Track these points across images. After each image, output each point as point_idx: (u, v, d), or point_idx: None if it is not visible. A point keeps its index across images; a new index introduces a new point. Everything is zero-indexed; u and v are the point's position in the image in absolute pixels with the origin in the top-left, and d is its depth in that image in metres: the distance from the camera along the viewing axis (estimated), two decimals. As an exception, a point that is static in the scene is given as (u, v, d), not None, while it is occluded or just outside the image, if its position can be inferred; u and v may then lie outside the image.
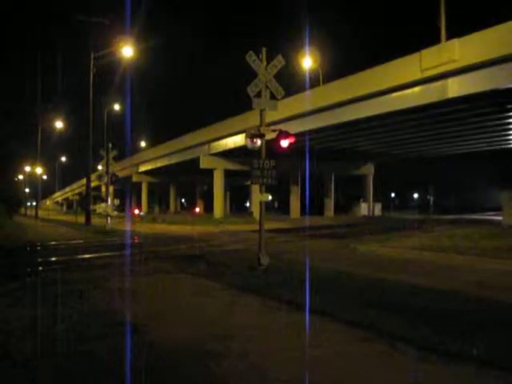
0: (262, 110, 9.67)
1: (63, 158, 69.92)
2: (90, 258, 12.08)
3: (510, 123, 26.67)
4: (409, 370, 3.93)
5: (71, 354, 4.34)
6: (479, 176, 55.79)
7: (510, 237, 15.68)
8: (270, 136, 9.70)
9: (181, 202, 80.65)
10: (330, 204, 47.81)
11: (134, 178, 58.68)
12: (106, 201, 23.48)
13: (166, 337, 4.88)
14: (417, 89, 20.58)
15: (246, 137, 9.60)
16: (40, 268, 10.06)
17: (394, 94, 21.60)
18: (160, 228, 26.67)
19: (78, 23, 24.62)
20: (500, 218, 25.54)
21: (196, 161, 39.73)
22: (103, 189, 24.21)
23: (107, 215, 22.87)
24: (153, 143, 55.42)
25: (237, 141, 33.41)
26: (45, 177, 74.69)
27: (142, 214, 53.90)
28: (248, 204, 59.92)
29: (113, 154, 23.72)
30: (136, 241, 17.92)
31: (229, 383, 3.71)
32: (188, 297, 7.02)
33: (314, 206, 45.79)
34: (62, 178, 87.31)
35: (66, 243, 16.45)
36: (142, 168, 56.15)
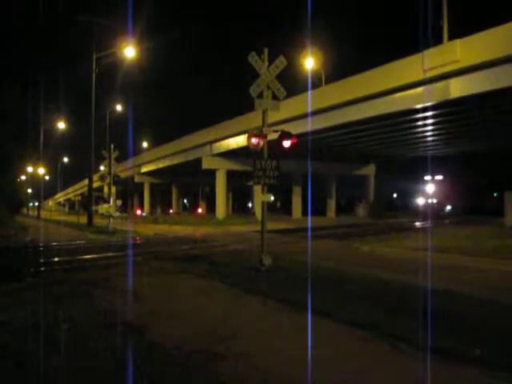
0: (264, 111, 9.68)
1: (65, 159, 70.02)
2: (92, 258, 12.09)
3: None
4: (408, 370, 3.92)
5: (73, 354, 4.35)
6: (481, 177, 54.75)
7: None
8: (272, 136, 9.71)
9: (183, 203, 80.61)
10: (331, 204, 47.75)
11: (136, 179, 58.70)
12: (109, 201, 23.47)
13: (167, 337, 4.88)
14: (419, 89, 20.54)
15: (248, 137, 9.60)
16: (42, 268, 10.08)
17: (397, 95, 21.58)
18: (162, 228, 26.68)
19: (80, 23, 24.61)
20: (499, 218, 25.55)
21: (198, 161, 39.74)
22: (105, 189, 24.15)
23: (109, 216, 22.88)
24: (155, 144, 55.50)
25: (239, 141, 33.40)
26: (47, 177, 74.82)
27: (144, 214, 53.96)
28: (250, 204, 59.88)
29: (115, 154, 23.72)
30: (138, 241, 17.94)
31: None
32: (190, 297, 7.03)
33: (315, 207, 45.72)
34: (64, 178, 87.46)
35: (69, 244, 16.46)
36: (144, 169, 56.19)
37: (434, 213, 39.01)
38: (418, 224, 29.92)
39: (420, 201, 48.12)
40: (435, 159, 41.00)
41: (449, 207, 44.94)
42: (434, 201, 42.93)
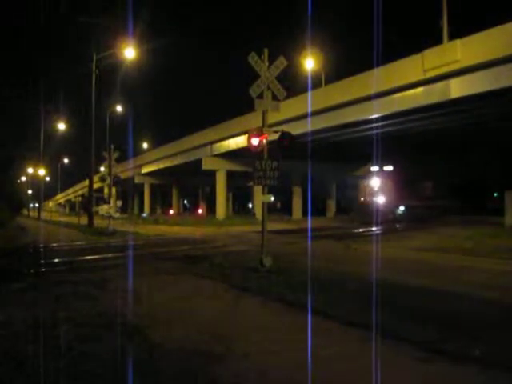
0: (264, 111, 9.67)
1: (66, 160, 70.08)
2: (92, 259, 12.10)
3: None
4: (409, 370, 3.92)
5: (73, 355, 4.35)
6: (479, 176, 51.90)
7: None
8: (272, 137, 9.71)
9: (183, 204, 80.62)
10: (331, 205, 47.75)
11: (137, 180, 58.70)
12: (109, 202, 23.48)
13: (167, 337, 4.88)
14: (419, 89, 20.57)
15: (249, 138, 9.60)
16: (43, 269, 10.09)
17: (397, 95, 21.59)
18: (162, 229, 26.69)
19: (80, 24, 24.61)
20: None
21: (198, 162, 39.76)
22: (106, 190, 24.17)
23: (110, 217, 22.89)
24: (155, 144, 55.54)
25: (239, 142, 33.43)
26: (47, 178, 74.87)
27: (144, 215, 53.99)
28: (250, 205, 59.86)
29: (115, 155, 23.74)
30: (138, 242, 17.93)
31: (231, 384, 3.71)
32: (190, 298, 7.02)
33: (315, 207, 45.66)
34: (64, 179, 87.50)
35: (69, 245, 16.47)
36: (145, 169, 56.23)
37: (385, 215, 29.67)
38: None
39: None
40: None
41: (402, 208, 32.90)
42: (381, 200, 31.17)
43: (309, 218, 36.33)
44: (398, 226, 26.93)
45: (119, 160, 26.51)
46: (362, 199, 33.31)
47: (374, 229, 24.30)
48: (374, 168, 32.63)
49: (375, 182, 32.20)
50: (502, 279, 8.48)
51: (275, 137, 9.65)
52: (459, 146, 35.97)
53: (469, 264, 10.30)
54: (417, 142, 33.41)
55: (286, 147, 9.47)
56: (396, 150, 31.94)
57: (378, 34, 15.14)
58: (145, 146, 58.65)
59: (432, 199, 37.20)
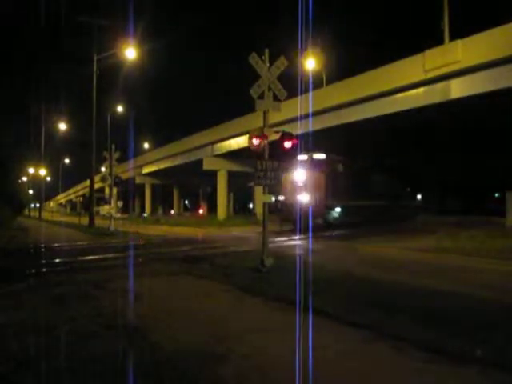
0: (264, 112, 9.66)
1: (67, 160, 70.21)
2: (93, 259, 12.09)
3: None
4: (410, 370, 3.91)
5: (74, 356, 4.35)
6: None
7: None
8: (273, 137, 9.70)
9: (184, 204, 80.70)
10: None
11: (138, 180, 58.77)
12: (110, 203, 23.51)
13: (168, 338, 4.88)
14: (420, 90, 20.58)
15: (250, 138, 9.60)
16: (43, 269, 10.09)
17: (398, 95, 21.61)
18: (163, 229, 26.68)
19: (81, 24, 24.62)
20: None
21: (199, 162, 39.80)
22: (106, 190, 24.20)
23: (111, 217, 22.91)
24: (156, 145, 55.62)
25: (240, 142, 33.45)
26: (48, 178, 75.01)
27: (145, 215, 54.03)
28: (251, 205, 59.87)
29: (116, 155, 23.76)
30: (139, 242, 17.93)
31: (231, 384, 3.71)
32: (191, 298, 7.02)
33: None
34: (65, 179, 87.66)
35: (70, 245, 16.47)
36: (146, 170, 56.29)
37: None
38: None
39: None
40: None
41: (338, 209, 24.02)
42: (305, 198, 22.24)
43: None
44: (333, 234, 21.28)
45: (120, 160, 26.52)
46: (281, 198, 24.88)
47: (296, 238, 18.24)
48: (302, 157, 23.78)
49: (300, 175, 23.36)
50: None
51: (276, 137, 9.65)
52: (457, 143, 32.64)
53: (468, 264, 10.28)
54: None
55: (288, 150, 9.47)
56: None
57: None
58: (146, 146, 58.73)
59: (396, 198, 31.52)
